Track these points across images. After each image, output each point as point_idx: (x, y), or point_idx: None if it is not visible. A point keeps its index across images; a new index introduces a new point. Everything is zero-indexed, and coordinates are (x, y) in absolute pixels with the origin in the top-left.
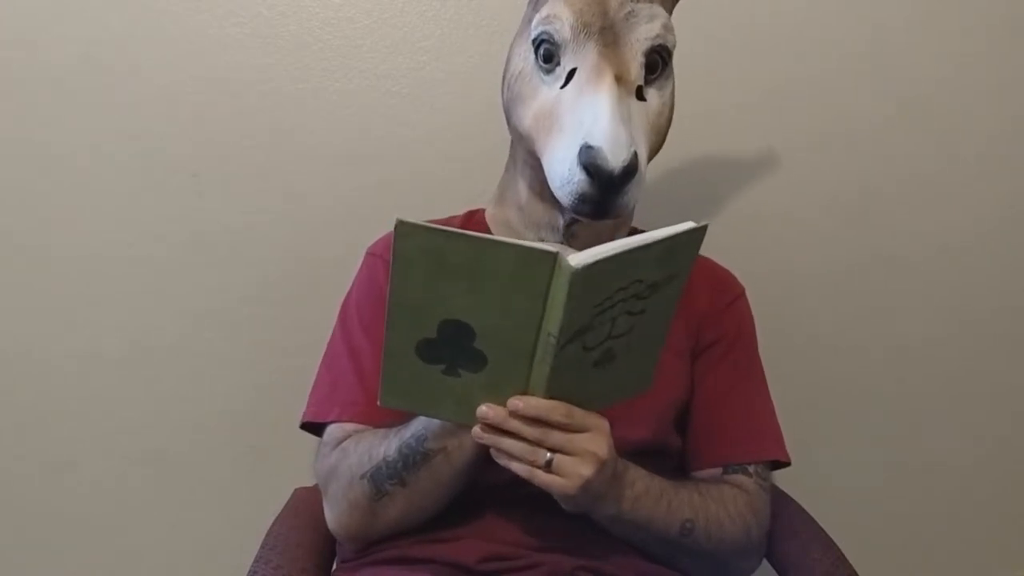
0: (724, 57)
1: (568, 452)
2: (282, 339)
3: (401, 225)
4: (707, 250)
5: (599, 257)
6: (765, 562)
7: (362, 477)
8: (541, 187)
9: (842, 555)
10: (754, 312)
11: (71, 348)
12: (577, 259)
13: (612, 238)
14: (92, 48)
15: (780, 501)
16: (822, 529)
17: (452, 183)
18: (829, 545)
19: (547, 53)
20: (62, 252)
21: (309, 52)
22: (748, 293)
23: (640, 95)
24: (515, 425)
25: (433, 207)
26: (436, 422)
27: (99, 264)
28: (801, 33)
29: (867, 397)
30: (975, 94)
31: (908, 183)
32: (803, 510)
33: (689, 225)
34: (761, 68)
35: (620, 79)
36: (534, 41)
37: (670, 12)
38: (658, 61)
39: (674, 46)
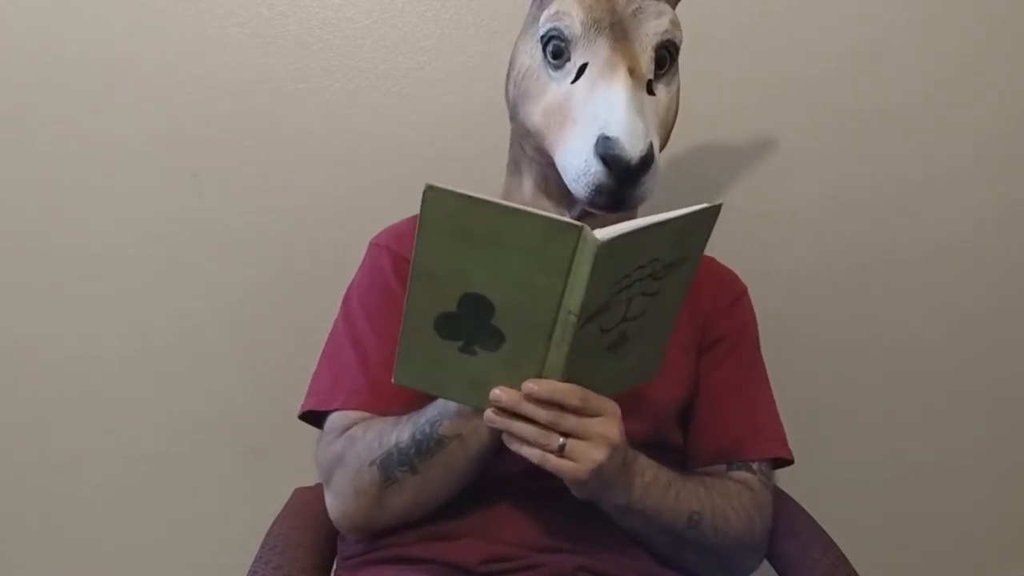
0: (724, 57)
1: (581, 437)
2: (282, 339)
3: (430, 190)
4: (709, 249)
5: (624, 231)
6: (765, 562)
7: (371, 464)
8: (547, 184)
9: (842, 555)
10: (756, 311)
11: (71, 348)
12: (603, 233)
13: None
14: (92, 48)
15: (780, 501)
16: (822, 529)
17: (452, 183)
18: (829, 545)
19: (556, 49)
20: (62, 252)
21: (309, 52)
22: (749, 292)
23: (649, 90)
24: (528, 408)
25: None
26: (452, 408)
27: (99, 264)
28: (801, 32)
29: (867, 397)
30: (975, 94)
31: (908, 183)
32: (803, 510)
33: (704, 205)
34: (761, 67)
35: (632, 72)
36: (543, 38)
37: (673, 8)
38: (666, 56)
39: (681, 42)
